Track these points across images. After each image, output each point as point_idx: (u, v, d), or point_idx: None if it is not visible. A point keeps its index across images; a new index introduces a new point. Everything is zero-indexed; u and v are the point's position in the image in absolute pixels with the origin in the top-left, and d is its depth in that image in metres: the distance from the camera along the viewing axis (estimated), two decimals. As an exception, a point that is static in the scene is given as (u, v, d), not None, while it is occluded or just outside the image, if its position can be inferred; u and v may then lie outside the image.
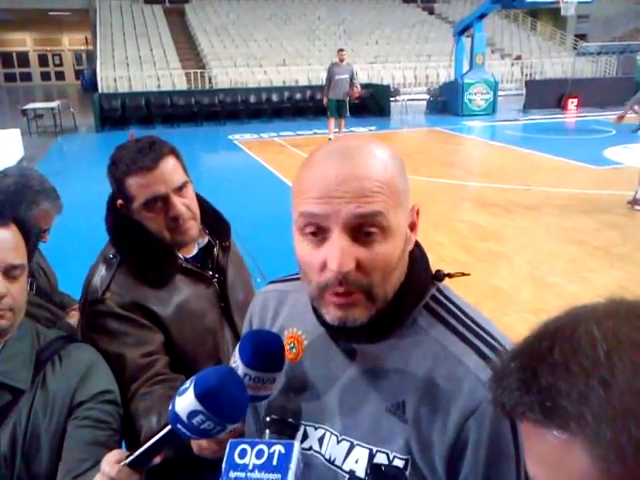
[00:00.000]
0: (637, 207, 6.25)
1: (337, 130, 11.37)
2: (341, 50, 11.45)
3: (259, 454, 0.72)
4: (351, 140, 0.78)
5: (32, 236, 1.19)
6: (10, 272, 1.09)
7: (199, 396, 0.74)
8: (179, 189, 1.34)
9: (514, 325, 3.76)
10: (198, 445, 0.89)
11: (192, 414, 0.74)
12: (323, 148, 0.77)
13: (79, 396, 1.14)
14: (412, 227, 0.80)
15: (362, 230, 0.72)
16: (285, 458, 0.71)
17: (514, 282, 4.67)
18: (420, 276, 0.83)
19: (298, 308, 0.92)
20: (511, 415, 0.50)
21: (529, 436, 0.49)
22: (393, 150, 0.78)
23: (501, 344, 0.78)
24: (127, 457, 0.83)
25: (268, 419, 0.78)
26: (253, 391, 0.80)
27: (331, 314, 0.76)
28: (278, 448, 0.72)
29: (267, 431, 0.77)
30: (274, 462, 0.71)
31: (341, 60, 11.13)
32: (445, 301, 0.84)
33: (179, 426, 0.76)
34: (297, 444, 0.72)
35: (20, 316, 1.14)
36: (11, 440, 1.09)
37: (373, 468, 0.78)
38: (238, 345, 0.82)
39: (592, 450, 0.44)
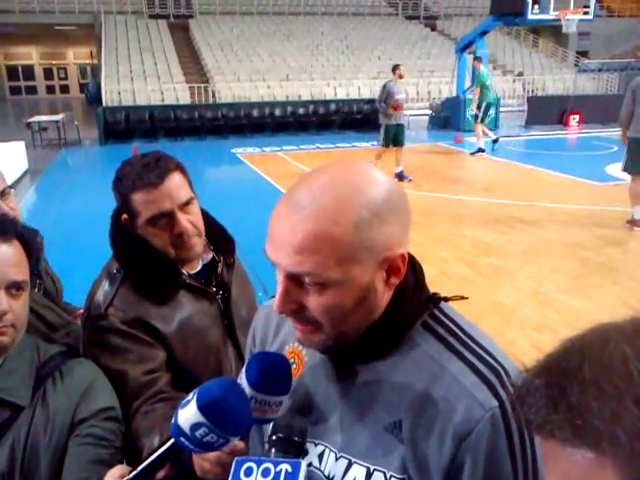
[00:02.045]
0: (636, 228, 6.23)
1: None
2: (399, 65, 9.52)
3: (265, 472, 0.71)
4: (328, 175, 0.75)
5: (34, 251, 1.18)
6: (12, 288, 1.08)
7: (202, 408, 0.73)
8: (184, 205, 1.34)
9: (517, 341, 3.74)
10: (201, 468, 0.88)
11: (195, 426, 0.74)
12: (301, 180, 0.76)
13: (80, 413, 1.12)
14: (394, 272, 0.77)
15: (300, 279, 0.74)
16: (292, 477, 0.70)
17: (517, 298, 4.65)
18: (411, 304, 0.82)
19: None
20: (537, 433, 0.49)
21: (555, 455, 0.48)
22: (381, 191, 0.74)
23: (500, 363, 0.78)
24: (130, 472, 0.82)
25: (274, 437, 0.77)
26: (259, 413, 0.79)
27: (296, 334, 0.80)
28: (285, 467, 0.71)
29: (273, 450, 0.76)
30: None
31: (400, 77, 9.37)
32: (445, 319, 0.83)
33: (182, 439, 0.75)
34: (304, 463, 0.72)
35: (22, 332, 1.13)
36: (10, 457, 1.08)
37: None
38: (245, 367, 0.81)
39: (623, 471, 0.43)
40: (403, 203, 0.77)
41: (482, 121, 11.59)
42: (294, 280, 0.74)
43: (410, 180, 9.10)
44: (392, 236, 0.75)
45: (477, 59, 12.07)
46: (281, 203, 0.75)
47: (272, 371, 0.80)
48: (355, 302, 0.75)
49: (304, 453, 0.84)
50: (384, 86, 9.33)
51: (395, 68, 9.48)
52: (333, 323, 0.76)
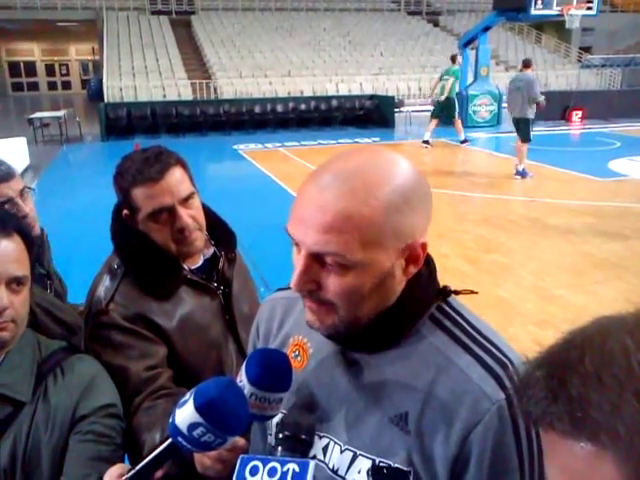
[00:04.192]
0: None
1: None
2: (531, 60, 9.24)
3: (272, 472, 0.70)
4: (359, 158, 0.75)
5: (35, 246, 1.18)
6: (13, 284, 1.07)
7: (199, 408, 0.73)
8: (185, 200, 1.33)
9: (518, 337, 3.74)
10: (201, 464, 0.88)
11: (192, 426, 0.73)
12: (329, 162, 0.76)
13: (82, 410, 1.12)
14: (413, 260, 0.77)
15: (323, 259, 0.73)
16: (300, 477, 0.69)
17: (519, 294, 4.64)
18: (424, 294, 0.82)
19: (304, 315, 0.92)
20: (537, 424, 0.48)
21: (555, 447, 0.48)
22: (410, 178, 0.74)
23: (507, 356, 0.78)
24: (129, 471, 0.82)
25: (281, 435, 0.76)
26: (259, 410, 0.78)
27: (305, 315, 0.80)
28: (292, 467, 0.70)
29: (279, 448, 0.75)
30: None
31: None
32: (451, 312, 0.83)
33: (180, 439, 0.75)
34: (312, 463, 0.71)
35: (22, 328, 1.12)
36: (11, 453, 1.07)
37: (375, 471, 0.77)
38: (244, 363, 0.81)
39: (622, 463, 0.42)
40: (429, 194, 0.79)
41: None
42: (316, 259, 0.73)
43: (532, 176, 8.83)
44: (418, 225, 0.76)
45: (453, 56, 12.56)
46: (309, 184, 0.74)
47: (272, 368, 0.79)
48: (373, 287, 0.75)
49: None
50: (535, 80, 8.88)
51: (530, 64, 9.31)
52: (349, 306, 0.76)
